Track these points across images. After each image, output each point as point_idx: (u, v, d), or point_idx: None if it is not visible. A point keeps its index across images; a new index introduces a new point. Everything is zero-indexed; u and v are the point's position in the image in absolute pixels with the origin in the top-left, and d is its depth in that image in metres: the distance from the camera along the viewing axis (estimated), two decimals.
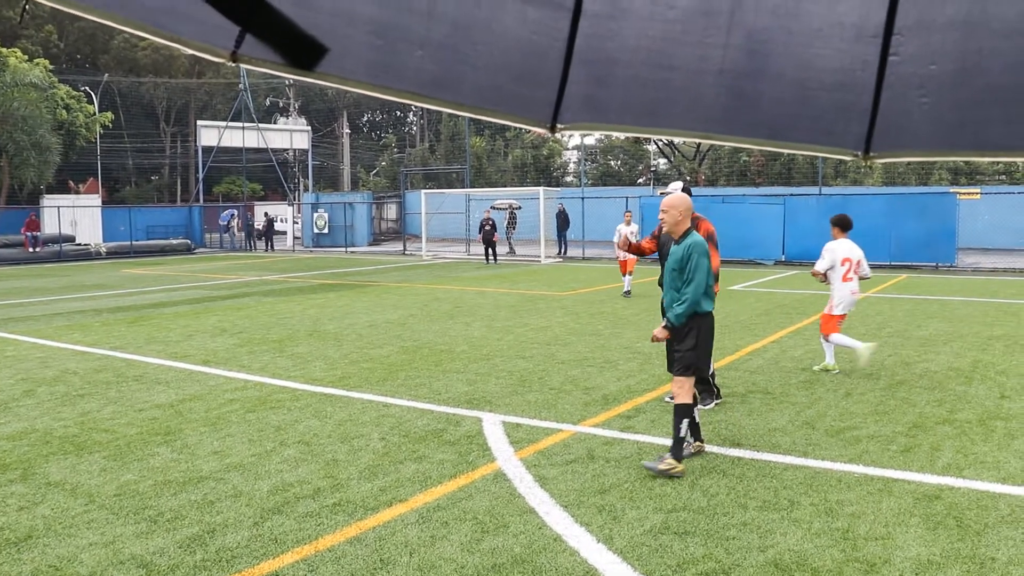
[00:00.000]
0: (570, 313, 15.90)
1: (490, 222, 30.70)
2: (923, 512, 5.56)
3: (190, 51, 1.50)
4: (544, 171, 53.18)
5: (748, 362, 10.68)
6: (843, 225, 10.14)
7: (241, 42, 1.48)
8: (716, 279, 8.31)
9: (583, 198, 36.22)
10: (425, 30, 1.46)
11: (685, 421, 6.45)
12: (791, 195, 30.55)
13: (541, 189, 33.92)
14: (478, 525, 5.44)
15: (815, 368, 10.18)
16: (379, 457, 6.90)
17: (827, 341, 10.09)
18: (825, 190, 34.48)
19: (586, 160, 53.68)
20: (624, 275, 18.77)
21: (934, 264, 26.09)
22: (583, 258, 32.37)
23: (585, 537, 5.25)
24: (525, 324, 14.40)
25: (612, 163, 57.02)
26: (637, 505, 5.76)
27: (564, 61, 1.47)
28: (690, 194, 8.55)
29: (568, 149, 59.41)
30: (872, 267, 10.51)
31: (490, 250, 30.63)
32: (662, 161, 55.01)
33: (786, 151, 1.45)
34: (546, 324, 14.37)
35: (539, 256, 32.00)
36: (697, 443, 6.85)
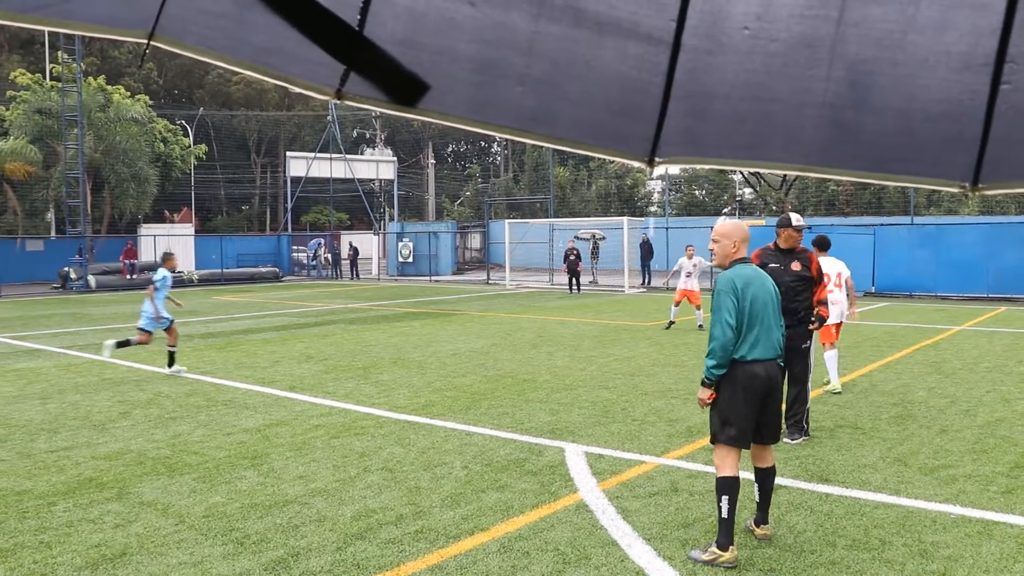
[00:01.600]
0: (654, 344, 15.75)
1: (575, 251, 30.70)
2: None
3: (298, 89, 1.55)
4: (628, 201, 53.01)
5: (837, 396, 10.41)
6: (821, 245, 10.69)
7: (346, 80, 1.53)
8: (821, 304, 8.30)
9: (667, 228, 35.98)
10: (525, 67, 1.48)
11: (725, 499, 5.33)
12: (881, 224, 29.82)
13: (625, 219, 33.83)
14: (559, 556, 5.41)
15: (823, 390, 10.60)
16: (461, 485, 6.92)
17: (827, 352, 10.80)
18: (917, 220, 33.55)
19: (670, 190, 53.34)
20: (674, 306, 18.93)
21: None
22: (667, 288, 32.08)
23: (668, 571, 5.17)
24: (608, 354, 14.32)
25: (696, 193, 56.55)
26: None
27: (663, 95, 1.47)
28: (788, 224, 8.48)
29: (652, 179, 59.17)
30: (969, 299, 10.36)
31: (574, 279, 30.60)
32: (747, 191, 54.34)
33: (890, 183, 1.43)
34: (630, 354, 14.26)
35: (623, 286, 31.84)
36: (731, 551, 5.33)
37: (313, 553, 5.54)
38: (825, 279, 8.89)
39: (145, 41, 1.55)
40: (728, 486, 5.35)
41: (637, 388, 11.13)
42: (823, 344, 10.38)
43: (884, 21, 1.31)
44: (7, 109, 40.33)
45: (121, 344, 13.08)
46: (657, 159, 1.54)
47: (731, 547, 5.28)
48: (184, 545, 5.72)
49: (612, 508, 6.31)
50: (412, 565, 5.32)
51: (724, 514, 5.31)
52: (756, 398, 5.45)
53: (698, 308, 18.59)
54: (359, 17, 1.49)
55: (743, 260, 5.71)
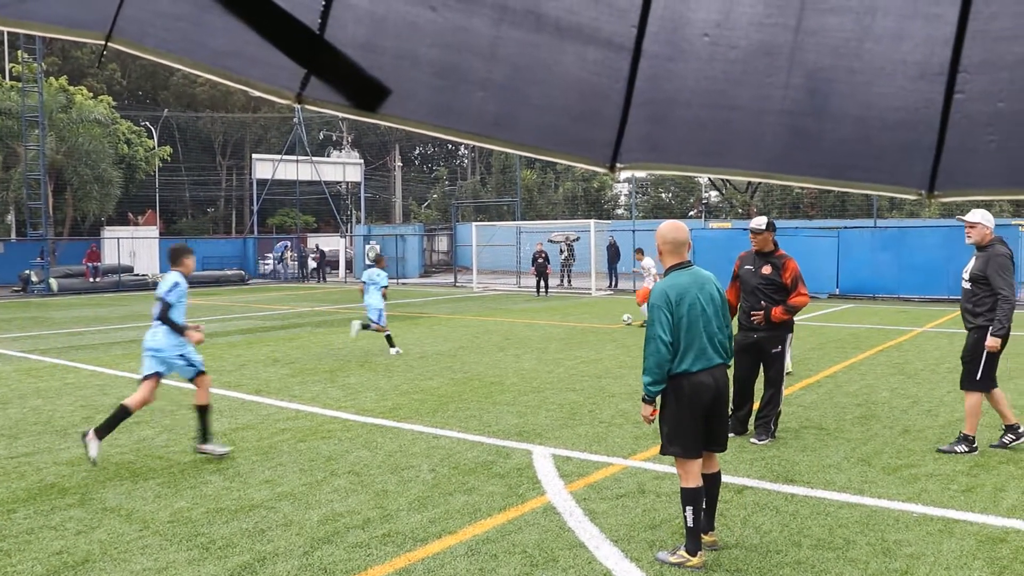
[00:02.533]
0: (621, 346, 15.82)
1: (543, 254, 30.77)
2: (987, 555, 5.39)
3: (257, 93, 1.54)
4: (595, 204, 53.22)
5: (801, 397, 10.51)
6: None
7: (306, 84, 1.52)
8: (796, 311, 8.34)
9: (634, 231, 36.13)
10: (486, 72, 1.48)
11: (689, 509, 5.29)
12: (845, 228, 30.17)
13: (592, 222, 33.93)
14: (527, 558, 5.41)
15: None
16: (429, 488, 6.90)
17: None
18: (880, 222, 34.00)
19: (637, 193, 53.61)
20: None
21: None
22: (634, 290, 32.22)
23: (636, 572, 5.19)
24: (575, 357, 14.35)
25: (663, 195, 56.88)
26: None
27: (624, 101, 1.48)
28: (774, 228, 8.61)
29: (619, 182, 59.41)
30: (930, 301, 10.51)
31: (542, 282, 30.65)
32: (713, 193, 54.75)
33: (848, 190, 1.44)
34: (597, 357, 14.31)
35: (590, 288, 31.94)
36: (699, 556, 5.33)
37: (280, 558, 5.50)
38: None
39: (103, 42, 1.53)
40: (691, 497, 5.31)
41: (604, 390, 11.17)
42: None
43: (841, 30, 1.33)
44: None
45: (365, 327, 15.16)
46: (619, 164, 1.55)
47: (700, 552, 5.28)
48: (148, 551, 5.65)
49: (579, 510, 6.33)
50: (379, 569, 5.30)
51: (690, 523, 5.28)
52: (703, 409, 5.35)
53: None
54: (319, 20, 1.48)
55: (679, 266, 5.51)
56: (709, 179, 52.96)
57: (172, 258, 8.41)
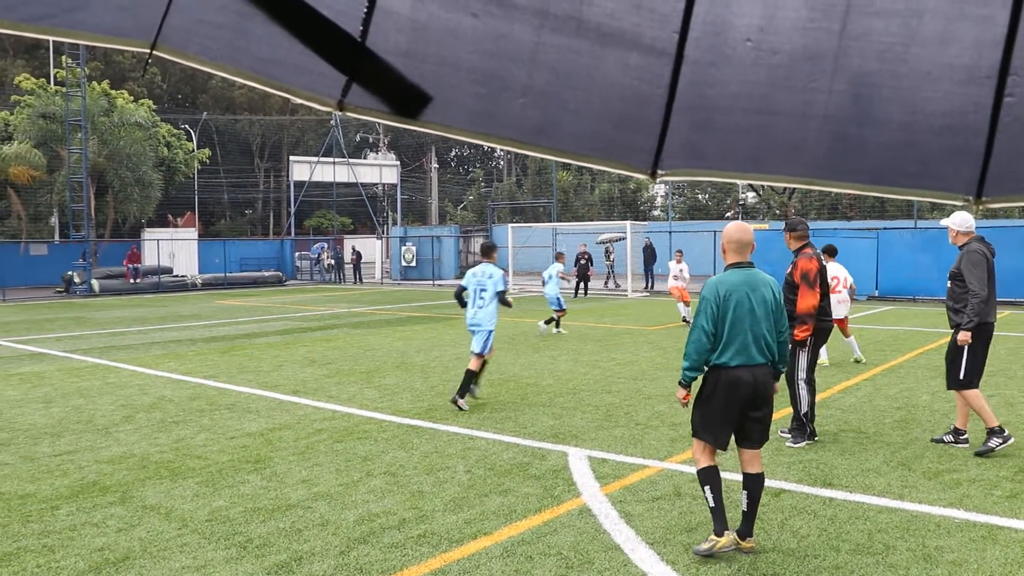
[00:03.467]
0: (657, 348, 15.75)
1: (586, 256, 30.66)
2: None
3: (300, 100, 1.55)
4: (631, 205, 53.04)
5: (840, 400, 10.40)
6: (831, 252, 13.05)
7: (348, 91, 1.53)
8: (806, 319, 8.14)
9: (670, 232, 35.96)
10: (527, 78, 1.48)
11: (707, 488, 5.55)
12: (885, 228, 29.79)
13: (628, 223, 33.83)
14: (563, 560, 5.40)
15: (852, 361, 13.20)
16: (464, 490, 6.91)
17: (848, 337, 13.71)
18: (921, 223, 33.51)
19: (673, 194, 53.33)
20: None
21: None
22: (670, 292, 32.06)
23: (671, 575, 5.16)
24: (611, 358, 14.31)
25: (700, 197, 56.54)
26: None
27: (665, 108, 1.47)
28: (795, 229, 8.53)
29: (655, 183, 59.17)
30: None
31: (582, 283, 30.54)
32: (750, 195, 54.33)
33: (893, 196, 1.43)
34: (633, 359, 14.26)
35: (626, 290, 31.82)
36: (726, 536, 5.51)
37: (316, 557, 5.54)
38: (833, 281, 8.92)
39: (148, 51, 1.55)
40: (707, 476, 5.55)
41: (640, 392, 11.12)
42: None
43: (887, 34, 1.31)
44: (11, 114, 40.43)
45: (548, 322, 17.83)
46: (660, 172, 1.54)
47: (726, 532, 5.44)
48: (187, 549, 5.72)
49: (615, 512, 6.31)
50: (415, 569, 5.32)
51: (711, 503, 5.51)
52: (737, 403, 5.51)
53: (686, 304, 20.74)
54: (361, 28, 1.49)
55: (736, 265, 5.70)
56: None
57: (486, 252, 11.43)
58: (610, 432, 8.87)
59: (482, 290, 11.12)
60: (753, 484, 5.63)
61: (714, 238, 31.19)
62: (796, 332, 8.15)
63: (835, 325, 8.47)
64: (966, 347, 7.98)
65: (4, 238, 40.76)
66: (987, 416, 7.94)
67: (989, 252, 8.08)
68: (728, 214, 53.23)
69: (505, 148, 1.60)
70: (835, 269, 13.13)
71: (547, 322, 18.37)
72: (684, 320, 20.64)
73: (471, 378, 10.45)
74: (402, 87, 1.49)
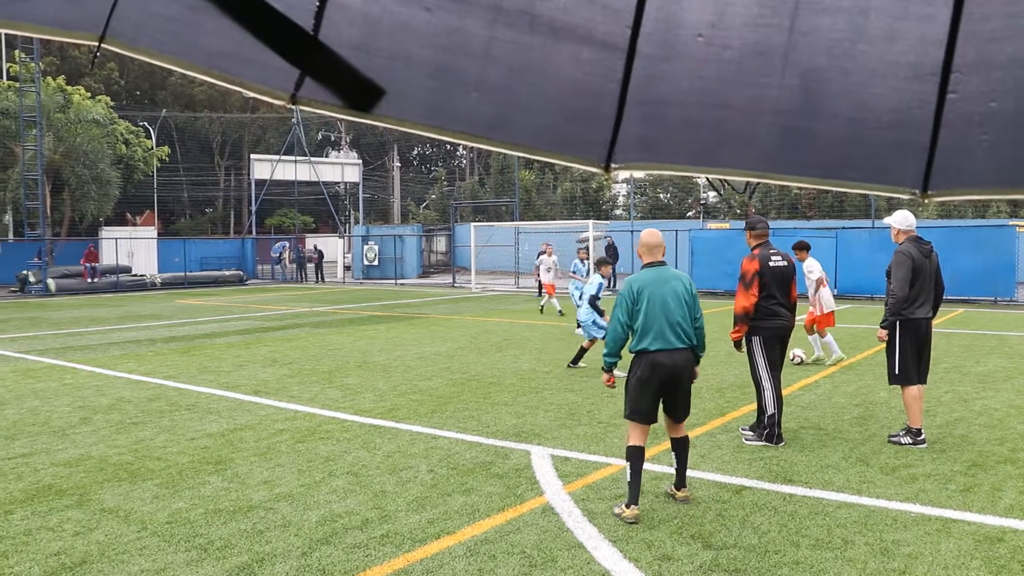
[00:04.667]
0: None
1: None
2: (985, 555, 5.40)
3: (252, 94, 1.54)
4: (593, 204, 53.23)
5: (800, 397, 10.52)
6: (803, 247, 13.22)
7: (301, 85, 1.52)
8: (738, 319, 8.19)
9: (632, 231, 36.13)
10: (480, 72, 1.48)
11: (628, 464, 6.27)
12: (843, 228, 30.17)
13: (591, 222, 33.92)
14: (526, 559, 5.41)
15: (828, 363, 13.13)
16: (427, 489, 6.90)
17: (824, 338, 13.24)
18: (878, 223, 33.99)
19: (635, 193, 53.61)
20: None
21: (992, 298, 25.51)
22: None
23: (634, 573, 5.20)
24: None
25: (662, 196, 56.88)
26: (687, 542, 5.68)
27: (618, 102, 1.48)
28: (754, 228, 8.61)
29: (618, 183, 59.40)
30: None
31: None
32: (712, 194, 54.76)
33: (841, 190, 1.45)
34: (596, 357, 14.29)
35: None
36: (632, 509, 6.17)
37: (278, 558, 5.50)
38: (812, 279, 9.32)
39: (96, 43, 1.52)
40: (633, 454, 6.27)
41: (603, 391, 11.17)
42: (820, 331, 13.36)
43: (834, 30, 1.33)
44: None
45: (577, 359, 13.33)
46: (613, 164, 1.55)
47: (634, 506, 6.15)
48: (147, 552, 5.65)
49: (578, 511, 6.33)
50: (378, 570, 5.30)
51: (629, 478, 6.20)
52: (658, 383, 6.35)
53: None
54: (314, 21, 1.48)
55: (650, 264, 6.63)
56: (707, 179, 52.97)
57: (597, 266, 12.87)
58: (572, 431, 8.89)
59: (580, 295, 13.12)
60: (679, 446, 6.54)
61: (675, 236, 31.38)
62: (730, 333, 8.26)
63: (793, 325, 8.50)
64: (896, 343, 8.27)
65: None
66: (913, 415, 8.16)
67: (922, 252, 8.30)
68: (689, 213, 53.64)
69: (459, 142, 1.60)
70: (812, 264, 13.43)
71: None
72: (541, 310, 23.05)
73: (582, 353, 13.08)
74: (355, 80, 1.48)
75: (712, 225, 39.14)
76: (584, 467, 7.54)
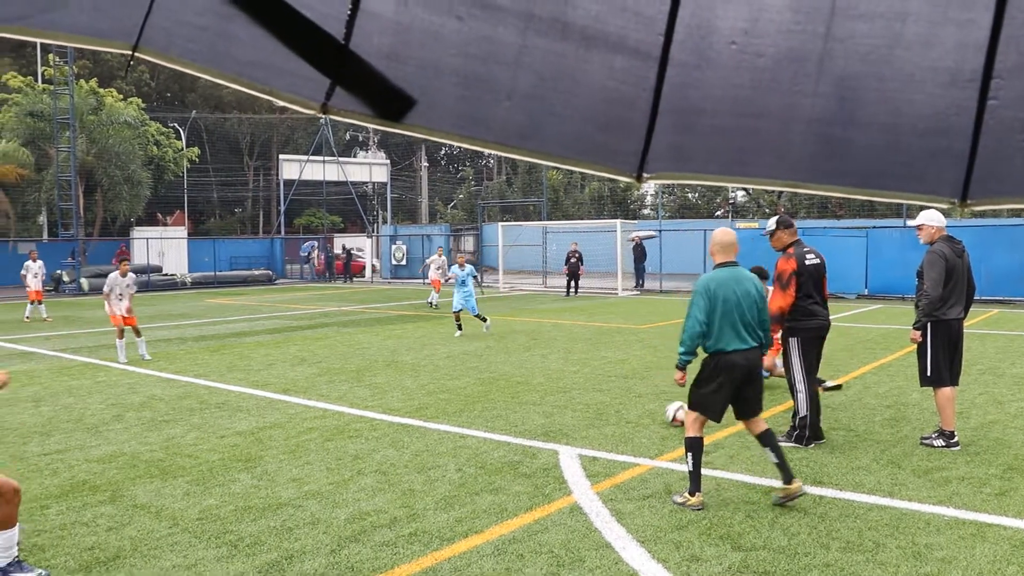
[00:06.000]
0: (647, 346, 15.76)
1: (576, 254, 30.68)
2: (1022, 560, 5.32)
3: (283, 103, 1.54)
4: (621, 204, 53.02)
5: (830, 398, 10.42)
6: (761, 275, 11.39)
7: (331, 94, 1.52)
8: (774, 320, 8.00)
9: (660, 231, 35.96)
10: (511, 81, 1.47)
11: (690, 455, 6.43)
12: (874, 227, 29.87)
13: (618, 222, 33.80)
14: (554, 559, 5.41)
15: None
16: (455, 488, 6.91)
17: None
18: (910, 222, 33.59)
19: (663, 193, 53.36)
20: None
21: None
22: (661, 291, 32.09)
23: (662, 573, 5.17)
24: (602, 357, 14.32)
25: (689, 196, 56.56)
26: (715, 543, 5.65)
27: (651, 111, 1.46)
28: (789, 225, 8.48)
29: (641, 187, 59.03)
30: None
31: (573, 282, 30.58)
32: (740, 193, 54.39)
33: (878, 199, 1.43)
34: (623, 357, 14.27)
35: (616, 289, 31.84)
36: (697, 496, 6.45)
37: (307, 556, 5.53)
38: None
39: (129, 52, 1.54)
40: (693, 444, 6.44)
41: (631, 391, 11.13)
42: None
43: (871, 37, 1.31)
44: None
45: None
46: (645, 174, 1.53)
47: (698, 493, 6.37)
48: (178, 548, 5.70)
49: (606, 511, 6.31)
50: (406, 568, 5.31)
51: (691, 467, 6.40)
52: (732, 384, 6.39)
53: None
54: (345, 31, 1.48)
55: (723, 264, 6.57)
56: None
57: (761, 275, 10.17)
58: (600, 430, 8.87)
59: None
60: (767, 438, 6.49)
61: (704, 237, 31.16)
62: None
63: (830, 324, 8.37)
64: (928, 344, 8.15)
65: None
66: (946, 417, 8.04)
67: (955, 252, 8.16)
68: (718, 213, 53.30)
69: (490, 151, 1.59)
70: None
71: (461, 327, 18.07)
72: (430, 304, 24.98)
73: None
74: (385, 90, 1.48)
75: (741, 224, 38.86)
76: (612, 467, 7.51)
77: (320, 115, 1.57)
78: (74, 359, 15.07)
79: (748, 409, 6.58)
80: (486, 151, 1.62)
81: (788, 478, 6.38)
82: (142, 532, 6.03)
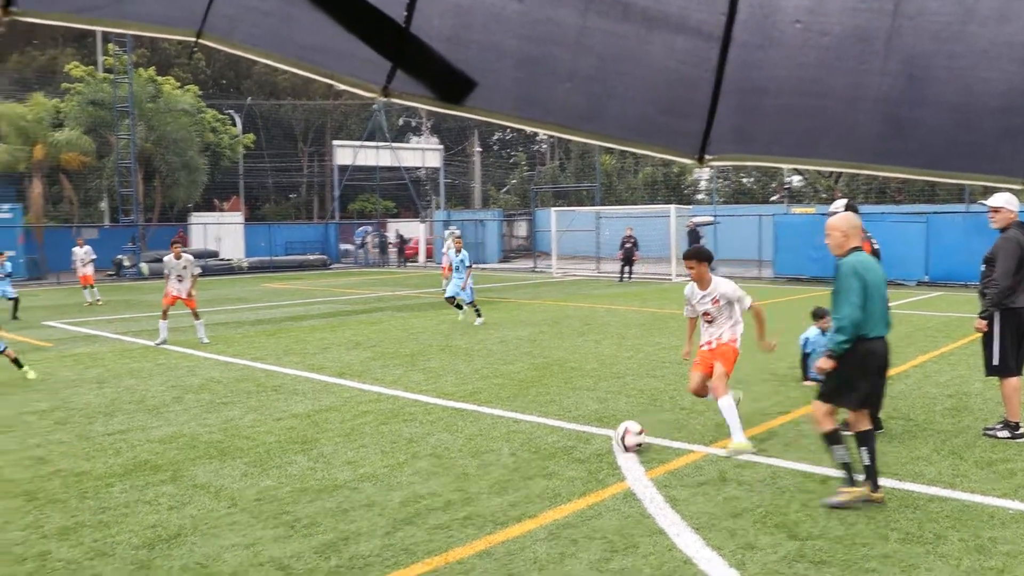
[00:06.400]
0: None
1: (631, 239, 30.50)
2: None
3: (343, 87, 1.55)
4: (675, 189, 52.54)
5: (889, 387, 10.21)
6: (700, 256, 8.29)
7: (392, 77, 1.52)
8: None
9: (715, 216, 35.59)
10: (572, 63, 1.46)
11: (834, 448, 6.15)
12: (935, 212, 29.22)
13: (673, 207, 33.53)
14: (607, 544, 5.41)
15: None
16: (509, 472, 6.94)
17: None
18: (973, 207, 32.81)
19: (718, 177, 52.73)
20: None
21: None
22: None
23: (716, 561, 5.14)
24: (656, 343, 14.24)
25: (744, 180, 55.82)
26: (771, 531, 5.60)
27: (713, 92, 1.44)
28: (856, 211, 8.25)
29: (703, 169, 58.40)
30: None
31: (626, 267, 30.42)
32: (796, 178, 53.51)
33: (948, 181, 1.39)
34: (677, 343, 14.16)
35: (670, 274, 31.62)
36: (858, 488, 6.11)
37: (363, 537, 5.60)
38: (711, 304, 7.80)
39: (194, 39, 1.56)
40: (835, 437, 6.14)
41: (684, 377, 11.04)
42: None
43: (942, 13, 1.27)
44: (62, 101, 41.14)
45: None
46: (708, 156, 1.51)
47: (880, 489, 6.10)
48: (237, 527, 5.81)
49: (660, 497, 6.29)
50: (460, 551, 5.35)
51: (844, 459, 6.11)
52: (872, 371, 6.15)
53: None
54: (406, 14, 1.48)
55: (857, 248, 6.21)
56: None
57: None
58: (655, 416, 8.83)
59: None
60: (866, 439, 6.17)
61: (759, 223, 30.77)
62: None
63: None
64: (996, 333, 7.92)
65: (57, 223, 41.52)
66: (1012, 408, 7.83)
67: None
68: (773, 198, 52.49)
69: (549, 133, 1.59)
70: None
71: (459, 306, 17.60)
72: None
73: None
74: (446, 73, 1.47)
75: (797, 210, 38.28)
76: (666, 453, 7.48)
77: (381, 98, 1.58)
78: (135, 342, 15.41)
79: (871, 401, 6.32)
80: (546, 133, 1.62)
81: (875, 486, 6.10)
82: (202, 511, 6.16)
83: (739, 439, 7.45)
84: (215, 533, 5.73)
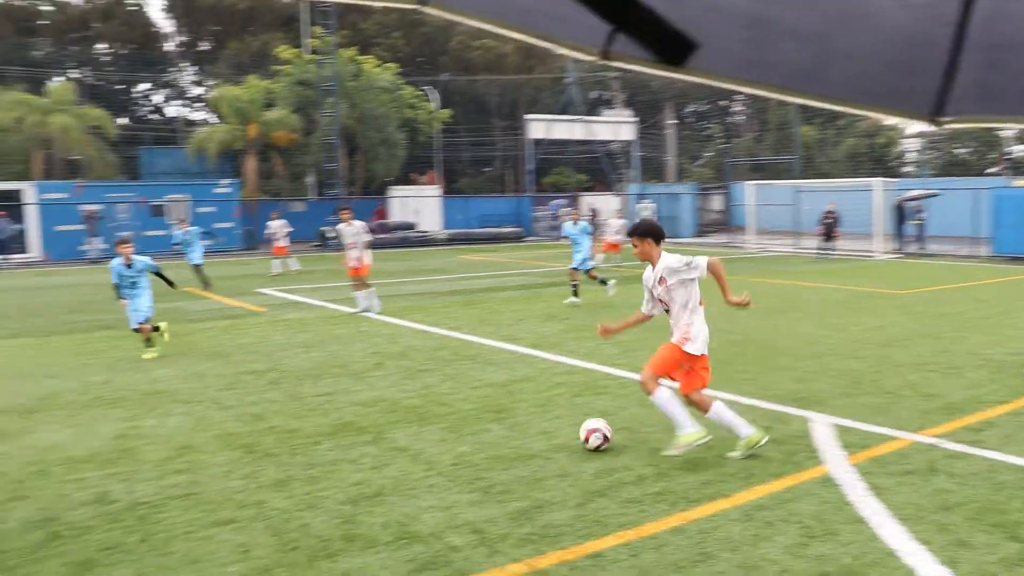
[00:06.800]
0: (908, 313, 14.79)
1: (833, 215, 29.27)
2: None
3: (562, 50, 1.55)
4: (879, 161, 49.82)
5: None
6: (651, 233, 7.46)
7: (612, 40, 1.51)
8: None
9: (931, 190, 33.42)
10: (797, 20, 1.40)
11: None
12: None
13: (878, 180, 31.77)
14: (804, 529, 5.24)
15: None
16: (703, 450, 6.83)
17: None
18: None
19: (928, 148, 49.52)
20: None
21: None
22: (922, 254, 29.92)
23: (924, 556, 4.87)
24: (858, 322, 13.60)
25: (958, 151, 52.13)
26: (987, 529, 5.23)
27: (952, 47, 1.34)
28: None
29: (907, 137, 55.02)
30: None
31: (827, 243, 29.25)
32: (1019, 147, 49.41)
33: None
34: (881, 323, 13.48)
35: (872, 251, 30.05)
36: None
37: (555, 507, 5.68)
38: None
39: (417, 6, 1.59)
40: None
41: (889, 359, 10.51)
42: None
43: None
44: (273, 82, 43.75)
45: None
46: (943, 117, 1.41)
47: None
48: (434, 490, 6.04)
49: (862, 484, 6.02)
50: (652, 526, 5.34)
51: None
52: None
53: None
54: None
55: None
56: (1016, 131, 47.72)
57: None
58: (856, 399, 8.45)
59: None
60: None
61: (975, 196, 28.66)
62: None
63: None
64: None
65: (269, 196, 44.27)
66: None
67: None
68: (992, 170, 48.74)
69: (772, 95, 1.53)
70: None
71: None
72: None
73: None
74: (668, 34, 1.45)
75: (1019, 182, 35.39)
76: (868, 439, 7.15)
77: (600, 61, 1.57)
78: (339, 309, 16.24)
79: None
80: (768, 95, 1.56)
81: None
82: (402, 473, 6.44)
83: (687, 431, 6.58)
84: (414, 494, 5.98)
